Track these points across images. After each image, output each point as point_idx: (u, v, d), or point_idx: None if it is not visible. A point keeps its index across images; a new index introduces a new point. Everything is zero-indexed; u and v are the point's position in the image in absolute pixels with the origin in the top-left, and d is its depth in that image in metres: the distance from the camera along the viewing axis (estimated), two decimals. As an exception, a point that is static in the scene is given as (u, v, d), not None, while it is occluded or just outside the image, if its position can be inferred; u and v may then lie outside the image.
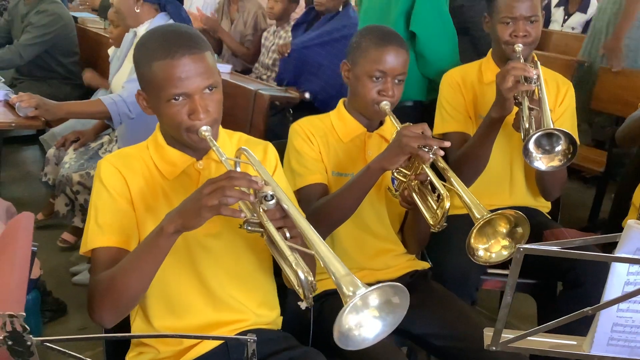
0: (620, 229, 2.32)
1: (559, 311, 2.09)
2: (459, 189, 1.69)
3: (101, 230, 1.50)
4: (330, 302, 1.87)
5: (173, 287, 1.57)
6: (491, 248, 1.67)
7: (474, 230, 1.62)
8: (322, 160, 1.94)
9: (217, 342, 1.59)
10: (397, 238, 2.05)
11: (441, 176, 1.73)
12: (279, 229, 1.31)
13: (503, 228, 1.67)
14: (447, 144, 1.69)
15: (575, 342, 1.23)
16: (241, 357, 1.59)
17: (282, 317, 1.76)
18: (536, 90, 1.99)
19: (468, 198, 1.66)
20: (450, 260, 2.12)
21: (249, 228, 1.34)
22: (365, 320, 1.18)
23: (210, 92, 1.48)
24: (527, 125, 1.94)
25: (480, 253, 1.67)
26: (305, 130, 1.95)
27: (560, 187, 2.35)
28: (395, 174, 1.78)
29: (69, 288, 3.10)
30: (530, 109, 1.94)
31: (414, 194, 1.74)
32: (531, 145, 1.87)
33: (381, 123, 2.01)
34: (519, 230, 1.65)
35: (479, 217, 1.61)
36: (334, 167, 1.96)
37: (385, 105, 1.86)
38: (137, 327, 1.61)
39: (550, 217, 2.45)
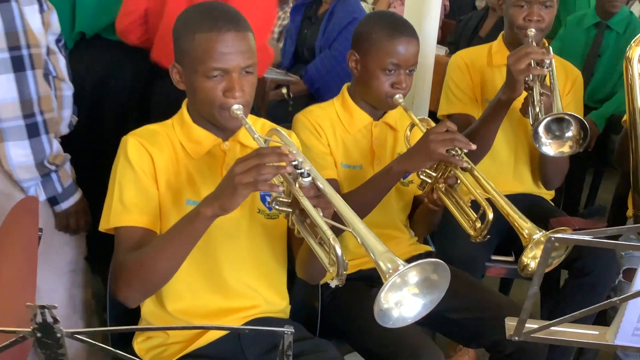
0: (624, 217, 2.33)
1: (566, 300, 2.13)
2: (498, 198, 1.67)
3: (126, 209, 1.48)
4: (346, 288, 1.85)
5: (186, 271, 1.53)
6: (537, 254, 1.64)
7: (527, 249, 1.61)
8: (331, 153, 1.89)
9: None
10: (402, 225, 2.02)
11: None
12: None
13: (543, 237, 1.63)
14: (474, 146, 1.67)
15: (597, 332, 1.21)
16: (252, 345, 1.58)
17: (290, 306, 1.74)
18: (547, 76, 1.97)
19: (511, 210, 1.65)
20: (456, 247, 2.10)
21: (277, 207, 1.34)
22: (404, 299, 1.20)
23: (247, 74, 1.48)
24: (537, 110, 1.92)
25: (532, 264, 1.65)
26: (312, 122, 1.88)
27: (562, 176, 2.35)
28: (419, 174, 1.76)
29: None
30: (541, 94, 1.92)
31: (443, 197, 1.72)
32: (541, 130, 1.86)
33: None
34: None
35: (529, 236, 1.60)
36: (342, 158, 1.92)
37: (399, 98, 1.82)
38: (148, 309, 1.59)
39: (553, 205, 2.45)
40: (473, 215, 1.71)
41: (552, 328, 1.19)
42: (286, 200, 1.34)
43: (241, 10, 1.55)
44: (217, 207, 1.32)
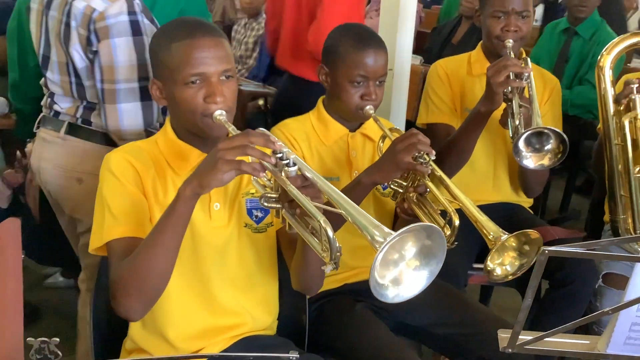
0: (601, 223, 2.36)
1: (548, 309, 2.15)
2: (466, 204, 1.65)
3: (117, 221, 1.45)
4: (332, 303, 1.84)
5: (175, 288, 1.51)
6: (504, 261, 1.63)
7: (492, 252, 1.59)
8: None
9: (217, 350, 1.54)
10: None
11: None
12: None
13: (512, 243, 1.63)
14: (433, 151, 1.67)
15: (588, 342, 1.23)
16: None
17: (277, 322, 1.72)
18: (526, 88, 1.98)
19: (479, 215, 1.62)
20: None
21: (266, 204, 1.32)
22: (404, 275, 1.18)
23: (227, 79, 1.48)
24: (516, 123, 1.92)
25: (498, 270, 1.63)
26: (286, 135, 1.87)
27: (542, 184, 2.37)
28: (390, 184, 1.75)
29: (41, 291, 3.01)
30: (520, 106, 1.93)
31: (414, 207, 1.71)
32: (521, 144, 1.86)
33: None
34: (526, 247, 1.62)
35: (494, 240, 1.58)
36: (318, 171, 1.88)
37: (370, 109, 1.81)
38: (135, 331, 1.56)
39: (532, 213, 2.47)
40: (442, 222, 1.69)
41: (545, 339, 1.19)
42: (274, 195, 1.33)
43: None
44: (196, 185, 1.29)
